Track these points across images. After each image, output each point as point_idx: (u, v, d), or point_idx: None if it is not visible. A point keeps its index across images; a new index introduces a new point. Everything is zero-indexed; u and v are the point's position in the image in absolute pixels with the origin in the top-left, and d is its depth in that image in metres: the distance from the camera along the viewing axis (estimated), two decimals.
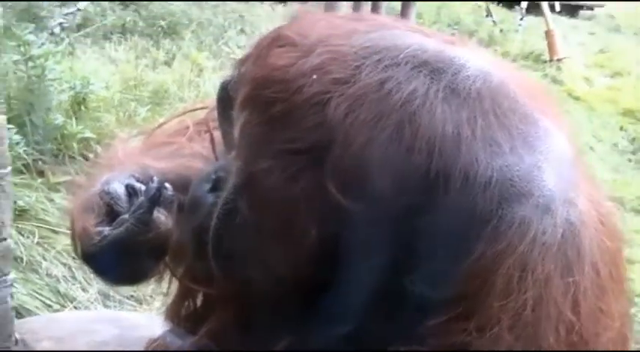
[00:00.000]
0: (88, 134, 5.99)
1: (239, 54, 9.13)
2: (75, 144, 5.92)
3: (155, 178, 1.99)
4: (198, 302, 2.10)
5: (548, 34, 13.49)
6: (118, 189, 2.00)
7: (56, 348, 2.75)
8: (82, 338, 2.67)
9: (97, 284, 4.87)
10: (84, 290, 4.90)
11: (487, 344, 1.62)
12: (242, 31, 10.71)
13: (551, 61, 13.05)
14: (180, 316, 2.12)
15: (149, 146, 2.31)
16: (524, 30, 13.84)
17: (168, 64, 8.80)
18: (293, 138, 1.63)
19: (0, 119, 2.61)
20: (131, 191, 2.00)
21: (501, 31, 13.86)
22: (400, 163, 1.60)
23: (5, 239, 2.59)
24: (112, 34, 9.29)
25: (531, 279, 1.62)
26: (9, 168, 2.62)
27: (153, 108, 7.12)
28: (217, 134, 2.17)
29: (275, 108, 1.65)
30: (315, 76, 1.63)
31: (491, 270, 1.62)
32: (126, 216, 1.94)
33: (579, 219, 1.68)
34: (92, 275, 4.87)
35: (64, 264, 4.97)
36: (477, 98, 1.65)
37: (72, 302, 4.75)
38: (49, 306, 4.68)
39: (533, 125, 1.72)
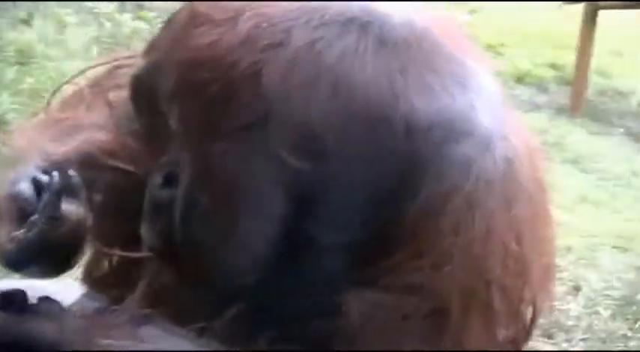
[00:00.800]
0: None
1: (103, 8, 8.95)
2: None
3: (54, 172, 1.91)
4: (114, 264, 2.08)
5: None
6: (26, 188, 1.88)
7: None
8: None
9: None
10: None
11: (441, 280, 1.66)
12: None
13: None
14: (95, 279, 2.09)
15: (47, 126, 2.22)
16: None
17: (26, 22, 8.49)
18: (236, 114, 1.63)
19: None
20: (39, 186, 1.92)
21: None
22: (341, 119, 1.62)
23: None
24: None
25: (478, 216, 1.67)
26: None
27: (20, 69, 6.86)
28: (113, 96, 2.14)
29: (211, 89, 1.63)
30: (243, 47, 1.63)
31: (439, 210, 1.67)
32: (36, 216, 1.87)
33: (515, 154, 1.74)
34: None
35: None
36: (405, 46, 1.68)
37: None
38: None
39: (460, 66, 1.77)
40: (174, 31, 1.74)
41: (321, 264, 1.74)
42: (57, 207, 1.83)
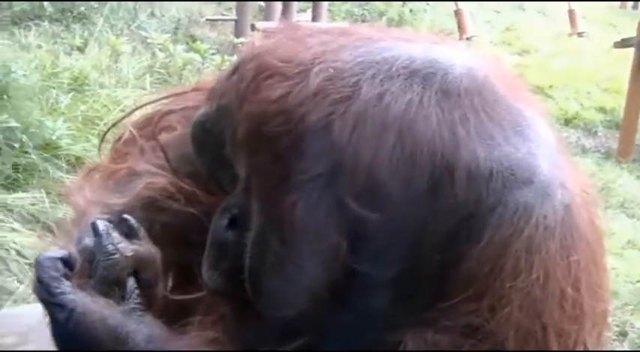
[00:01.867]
0: (12, 123, 5.83)
1: (154, 37, 9.07)
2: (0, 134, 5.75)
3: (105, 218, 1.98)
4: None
5: (457, 13, 13.69)
6: (90, 242, 1.95)
7: (22, 343, 2.70)
8: (48, 331, 2.61)
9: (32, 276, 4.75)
10: (20, 282, 4.80)
11: (499, 322, 1.69)
12: (152, 14, 10.64)
13: (460, 39, 13.22)
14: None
15: (104, 179, 2.29)
16: (433, 9, 14.00)
17: (80, 49, 8.64)
18: (307, 167, 1.67)
19: None
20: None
21: (411, 11, 14.00)
22: (407, 170, 1.67)
23: None
24: (20, 19, 9.10)
25: (537, 260, 1.70)
26: None
27: (74, 96, 6.97)
28: (165, 139, 2.21)
29: (281, 142, 1.68)
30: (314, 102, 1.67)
31: (500, 254, 1.70)
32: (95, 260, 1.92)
33: (573, 200, 1.78)
34: (27, 267, 4.83)
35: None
36: (466, 96, 1.74)
37: (9, 296, 4.63)
38: None
39: (518, 115, 1.82)
40: (242, 81, 1.78)
41: (381, 304, 1.77)
42: (109, 244, 1.89)
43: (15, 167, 5.71)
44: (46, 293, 1.86)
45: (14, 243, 4.94)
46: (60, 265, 1.89)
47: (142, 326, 1.84)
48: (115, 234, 1.93)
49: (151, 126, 2.28)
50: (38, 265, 1.88)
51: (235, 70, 1.83)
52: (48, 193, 5.48)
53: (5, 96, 6.16)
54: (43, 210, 5.35)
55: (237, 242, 1.83)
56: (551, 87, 11.61)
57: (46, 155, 5.85)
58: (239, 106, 1.76)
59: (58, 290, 1.84)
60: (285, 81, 1.71)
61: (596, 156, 9.95)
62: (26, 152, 5.81)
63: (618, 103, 10.90)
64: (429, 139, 1.68)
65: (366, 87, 1.69)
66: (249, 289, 1.81)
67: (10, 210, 5.29)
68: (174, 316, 2.01)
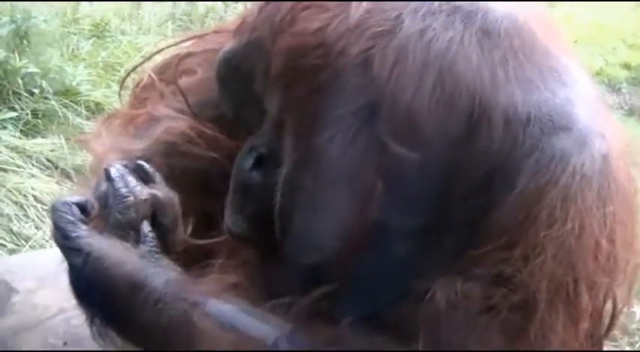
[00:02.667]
0: (32, 69, 5.81)
1: None
2: (19, 80, 5.73)
3: (113, 168, 1.95)
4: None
5: None
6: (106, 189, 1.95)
7: (39, 288, 2.70)
8: (65, 277, 2.60)
9: (50, 222, 4.76)
10: (37, 228, 4.80)
11: (531, 272, 1.67)
12: None
13: None
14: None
15: (123, 126, 2.28)
16: None
17: None
18: (346, 102, 1.64)
19: None
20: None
21: None
22: (446, 110, 1.64)
23: None
24: None
25: (573, 210, 1.67)
26: None
27: (95, 42, 6.94)
28: (184, 83, 2.19)
29: (320, 76, 1.64)
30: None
31: (535, 202, 1.67)
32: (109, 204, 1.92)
33: (611, 151, 1.74)
34: (45, 213, 4.83)
35: (16, 203, 4.86)
36: (506, 37, 1.70)
37: (26, 242, 4.64)
38: (3, 246, 4.57)
39: (557, 60, 1.79)
40: (277, 13, 1.73)
41: (412, 251, 1.74)
42: (122, 187, 1.88)
43: (34, 113, 5.70)
44: (62, 238, 1.86)
45: (32, 188, 4.94)
46: (76, 210, 1.88)
47: (160, 270, 1.83)
48: (130, 178, 1.92)
49: (170, 70, 2.26)
50: (54, 210, 1.88)
51: (268, 1, 1.79)
52: (67, 139, 5.46)
53: (25, 42, 6.13)
54: (61, 156, 5.35)
55: (263, 183, 1.81)
56: (575, 42, 11.46)
57: (65, 101, 5.84)
58: (273, 39, 1.72)
59: (74, 235, 1.84)
60: (324, 13, 1.67)
61: (620, 113, 9.83)
62: (46, 98, 5.79)
63: None
64: (468, 80, 1.64)
65: (408, 21, 1.65)
66: (277, 229, 1.79)
67: (29, 156, 5.28)
68: (194, 261, 2.00)
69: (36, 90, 5.77)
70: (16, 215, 4.82)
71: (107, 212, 1.90)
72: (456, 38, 1.65)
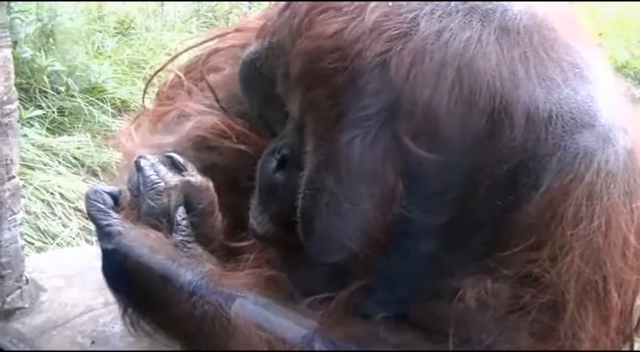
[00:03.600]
0: (58, 67, 5.84)
1: None
2: (45, 78, 5.76)
3: (142, 159, 1.99)
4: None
5: None
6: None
7: (66, 286, 2.72)
8: (92, 275, 2.63)
9: (77, 219, 4.79)
10: (64, 225, 4.82)
11: (559, 272, 1.67)
12: None
13: None
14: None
15: (154, 123, 2.31)
16: None
17: None
18: (364, 104, 1.64)
19: (5, 53, 2.50)
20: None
21: None
22: (465, 109, 1.63)
23: (14, 176, 2.51)
24: None
25: (599, 207, 1.67)
26: (16, 104, 2.53)
27: (120, 39, 6.96)
28: (213, 80, 2.22)
29: (338, 79, 1.65)
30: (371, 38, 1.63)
31: (561, 201, 1.67)
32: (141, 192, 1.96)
33: (636, 145, 1.74)
34: (72, 211, 4.86)
35: (43, 200, 4.88)
36: (526, 34, 1.70)
37: (53, 239, 4.66)
38: (31, 244, 4.59)
39: (577, 56, 1.78)
40: (295, 16, 1.74)
41: (436, 250, 1.74)
42: (152, 174, 1.90)
43: (60, 110, 5.74)
44: (94, 226, 1.90)
45: (59, 186, 4.97)
46: (108, 198, 1.91)
47: (193, 261, 1.85)
48: (161, 167, 1.94)
49: (197, 68, 2.28)
50: (87, 198, 1.92)
51: (287, 5, 1.80)
52: (93, 137, 5.49)
53: (51, 40, 6.15)
54: (88, 154, 5.37)
55: (287, 184, 1.82)
56: (600, 35, 11.38)
57: (91, 99, 5.87)
58: (292, 42, 1.73)
59: (105, 223, 1.86)
60: (341, 16, 1.67)
61: None
62: (72, 95, 5.83)
63: None
64: (488, 79, 1.64)
65: (424, 23, 1.65)
66: (300, 230, 1.79)
67: (56, 154, 5.31)
68: (226, 255, 2.01)
69: (62, 88, 5.81)
70: (43, 213, 4.84)
71: (140, 200, 1.92)
72: (473, 37, 1.65)
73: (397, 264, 1.76)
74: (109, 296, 2.43)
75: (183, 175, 1.95)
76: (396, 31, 1.64)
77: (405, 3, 1.67)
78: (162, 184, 1.91)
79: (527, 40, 1.69)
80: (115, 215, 1.89)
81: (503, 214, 1.70)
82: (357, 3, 1.67)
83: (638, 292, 1.81)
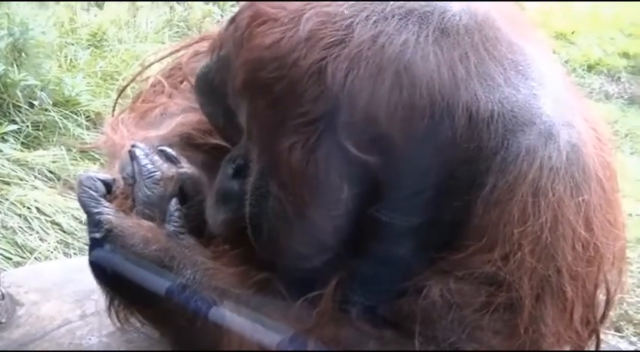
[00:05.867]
0: (31, 81, 5.82)
1: None
2: (19, 92, 5.75)
3: (137, 149, 2.02)
4: None
5: None
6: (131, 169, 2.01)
7: (44, 300, 2.71)
8: (68, 287, 2.64)
9: (55, 233, 4.78)
10: (42, 239, 4.80)
11: (512, 270, 1.70)
12: None
13: None
14: None
15: (138, 118, 2.33)
16: None
17: (99, 5, 8.59)
18: (303, 111, 1.66)
19: None
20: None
21: None
22: (406, 112, 1.65)
23: None
24: None
25: (545, 203, 1.70)
26: None
27: (93, 51, 6.95)
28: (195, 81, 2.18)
29: (277, 88, 1.67)
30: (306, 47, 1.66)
31: (507, 199, 1.70)
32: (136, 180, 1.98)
33: (580, 139, 1.76)
34: (48, 225, 4.84)
35: (20, 215, 4.86)
36: (466, 34, 1.71)
37: (31, 253, 4.65)
38: (9, 259, 4.58)
39: (521, 53, 1.79)
40: (238, 30, 1.77)
41: (394, 253, 1.77)
42: (148, 163, 1.91)
43: (35, 125, 5.72)
44: (84, 213, 1.91)
45: (35, 200, 4.95)
46: (100, 185, 1.92)
47: (187, 252, 1.87)
48: (156, 157, 1.95)
49: (177, 74, 2.29)
50: (79, 184, 1.93)
51: (233, 19, 1.83)
52: (68, 150, 5.48)
53: (24, 54, 6.14)
54: (63, 167, 5.36)
55: (241, 192, 1.84)
56: (573, 33, 11.45)
57: (65, 112, 5.85)
58: (236, 54, 1.75)
59: (95, 210, 1.87)
60: (278, 27, 1.70)
61: (620, 102, 9.82)
62: (46, 109, 5.81)
63: None
64: (427, 81, 1.65)
65: (359, 29, 1.66)
66: (250, 235, 1.81)
67: (31, 168, 5.29)
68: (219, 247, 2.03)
69: (36, 103, 5.79)
70: (20, 227, 4.82)
71: (136, 189, 1.93)
72: (410, 40, 1.66)
73: (355, 265, 1.80)
74: (86, 308, 2.45)
75: (177, 167, 1.96)
76: (332, 39, 1.66)
77: (340, 11, 1.69)
78: (159, 173, 1.92)
79: (468, 39, 1.70)
80: (105, 203, 1.90)
81: (453, 215, 1.73)
82: (294, 14, 1.69)
83: (600, 283, 1.84)
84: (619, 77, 10.83)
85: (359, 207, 1.71)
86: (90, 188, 1.91)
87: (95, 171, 2.01)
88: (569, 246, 1.72)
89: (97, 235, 1.85)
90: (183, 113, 2.22)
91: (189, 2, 8.60)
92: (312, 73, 1.64)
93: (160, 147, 2.02)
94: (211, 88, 1.92)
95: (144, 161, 1.95)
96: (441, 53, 1.67)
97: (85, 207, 1.89)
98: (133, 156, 1.96)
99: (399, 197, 1.72)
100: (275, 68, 1.66)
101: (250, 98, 1.73)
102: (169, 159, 1.99)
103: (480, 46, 1.72)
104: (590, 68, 10.84)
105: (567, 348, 1.83)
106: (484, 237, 1.71)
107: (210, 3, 8.78)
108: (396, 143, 1.66)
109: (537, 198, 1.70)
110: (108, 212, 1.87)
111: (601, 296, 1.90)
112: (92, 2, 8.60)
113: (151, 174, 1.93)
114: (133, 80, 2.51)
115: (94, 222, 1.86)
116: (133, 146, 2.00)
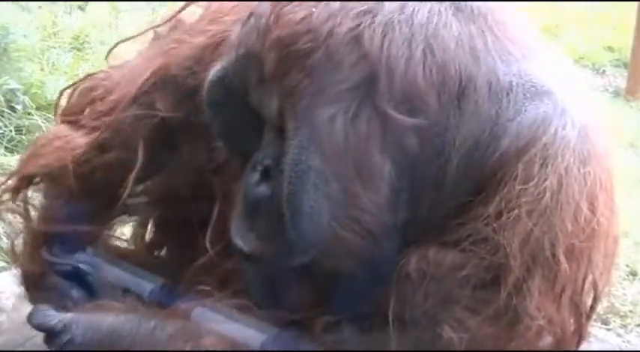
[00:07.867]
0: (13, 85, 5.78)
1: None
2: (1, 97, 5.72)
3: None
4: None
5: None
6: None
7: (24, 304, 2.69)
8: None
9: None
10: None
11: (503, 228, 1.71)
12: None
13: None
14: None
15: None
16: None
17: (81, 8, 8.55)
18: (342, 78, 1.70)
19: None
20: None
21: None
22: (439, 74, 1.73)
23: None
24: None
25: (552, 168, 1.74)
26: None
27: (76, 54, 6.91)
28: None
29: (313, 58, 1.71)
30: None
31: (514, 160, 1.75)
32: None
33: (589, 121, 1.84)
34: None
35: (4, 220, 4.83)
36: (480, 15, 1.81)
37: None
38: None
39: (530, 39, 1.92)
40: (261, 17, 1.80)
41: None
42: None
43: (18, 129, 5.67)
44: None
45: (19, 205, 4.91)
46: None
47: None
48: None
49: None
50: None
51: (250, 14, 1.86)
52: None
53: (5, 58, 6.10)
54: None
55: (273, 194, 1.84)
56: (557, 26, 11.45)
57: (48, 115, 5.79)
58: (263, 41, 1.78)
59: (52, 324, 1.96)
60: (305, 5, 1.76)
61: (606, 96, 9.84)
62: (29, 113, 5.76)
63: (626, 42, 10.72)
64: (453, 47, 1.74)
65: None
66: (287, 220, 1.80)
67: None
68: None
69: (18, 107, 5.74)
70: (5, 232, 4.79)
71: None
72: (434, 9, 1.74)
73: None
74: None
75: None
76: (363, 8, 1.72)
77: None
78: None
79: (482, 19, 1.80)
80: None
81: (467, 176, 1.78)
82: None
83: (591, 267, 1.82)
84: (604, 71, 10.86)
85: (399, 187, 1.76)
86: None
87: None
88: (569, 216, 1.74)
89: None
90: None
91: (172, 4, 8.55)
92: (349, 39, 1.70)
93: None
94: (229, 92, 1.93)
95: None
96: (460, 24, 1.77)
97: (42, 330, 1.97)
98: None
99: (425, 162, 1.78)
100: (310, 39, 1.71)
101: (284, 75, 1.75)
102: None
103: (494, 26, 1.82)
104: (575, 62, 10.82)
105: (549, 337, 1.81)
106: (483, 191, 1.75)
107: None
108: (432, 105, 1.73)
109: (545, 161, 1.75)
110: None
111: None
112: (75, 3, 8.58)
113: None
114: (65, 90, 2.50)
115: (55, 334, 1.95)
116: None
